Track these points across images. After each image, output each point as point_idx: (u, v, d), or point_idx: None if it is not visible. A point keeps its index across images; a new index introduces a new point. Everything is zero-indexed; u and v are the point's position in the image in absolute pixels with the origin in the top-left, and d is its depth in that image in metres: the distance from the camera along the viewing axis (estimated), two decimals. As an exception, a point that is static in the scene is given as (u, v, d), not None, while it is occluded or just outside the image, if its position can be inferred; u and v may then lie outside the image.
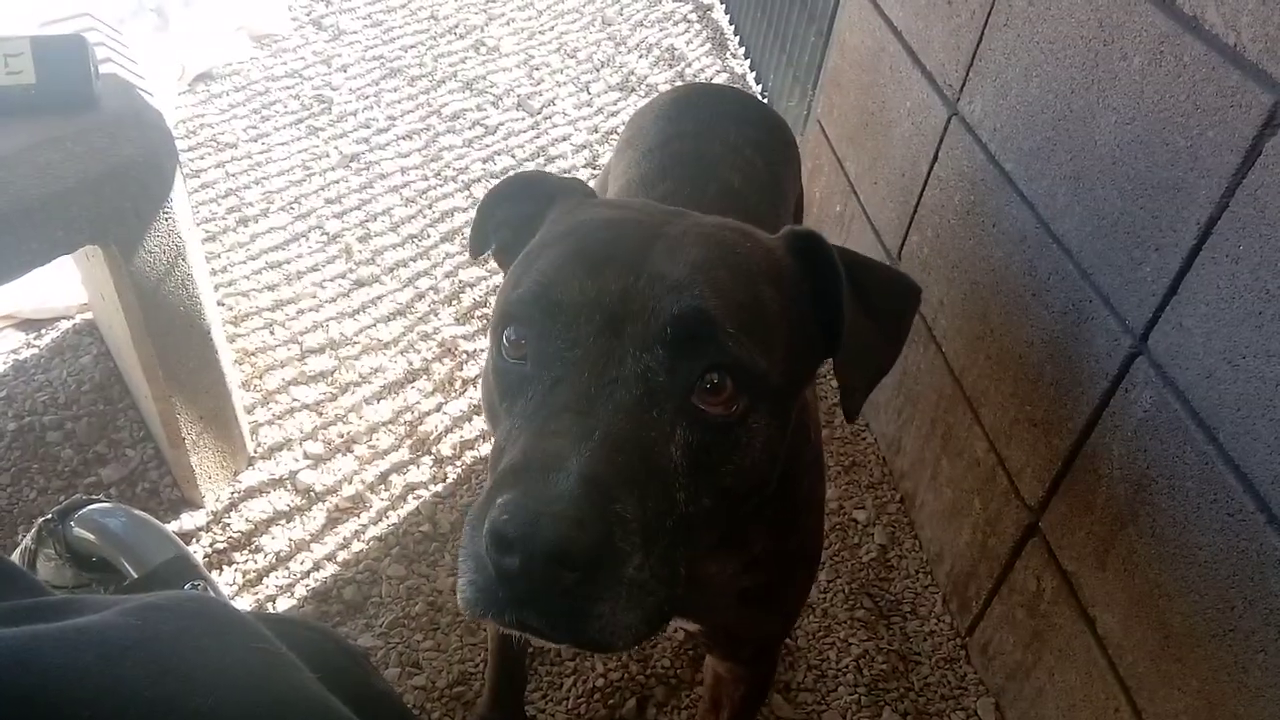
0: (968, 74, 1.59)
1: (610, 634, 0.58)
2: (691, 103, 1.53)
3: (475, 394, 2.02)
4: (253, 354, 2.05)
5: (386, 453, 1.88)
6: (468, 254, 0.93)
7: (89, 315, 2.06)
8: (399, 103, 2.96)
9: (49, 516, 0.84)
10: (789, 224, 1.54)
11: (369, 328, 2.15)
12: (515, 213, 0.84)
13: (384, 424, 1.93)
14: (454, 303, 2.25)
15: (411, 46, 3.28)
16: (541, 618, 0.57)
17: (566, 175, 0.86)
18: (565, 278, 0.66)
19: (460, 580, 0.60)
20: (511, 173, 0.92)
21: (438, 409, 1.98)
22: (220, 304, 2.13)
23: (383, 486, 1.82)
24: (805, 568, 1.07)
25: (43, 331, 2.03)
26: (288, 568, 1.66)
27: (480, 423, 1.95)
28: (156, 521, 0.83)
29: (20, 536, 0.87)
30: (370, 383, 2.02)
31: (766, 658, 1.19)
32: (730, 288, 0.66)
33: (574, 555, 0.54)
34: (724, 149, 1.39)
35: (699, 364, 0.64)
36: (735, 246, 0.72)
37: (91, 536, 0.81)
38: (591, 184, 1.78)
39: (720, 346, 0.64)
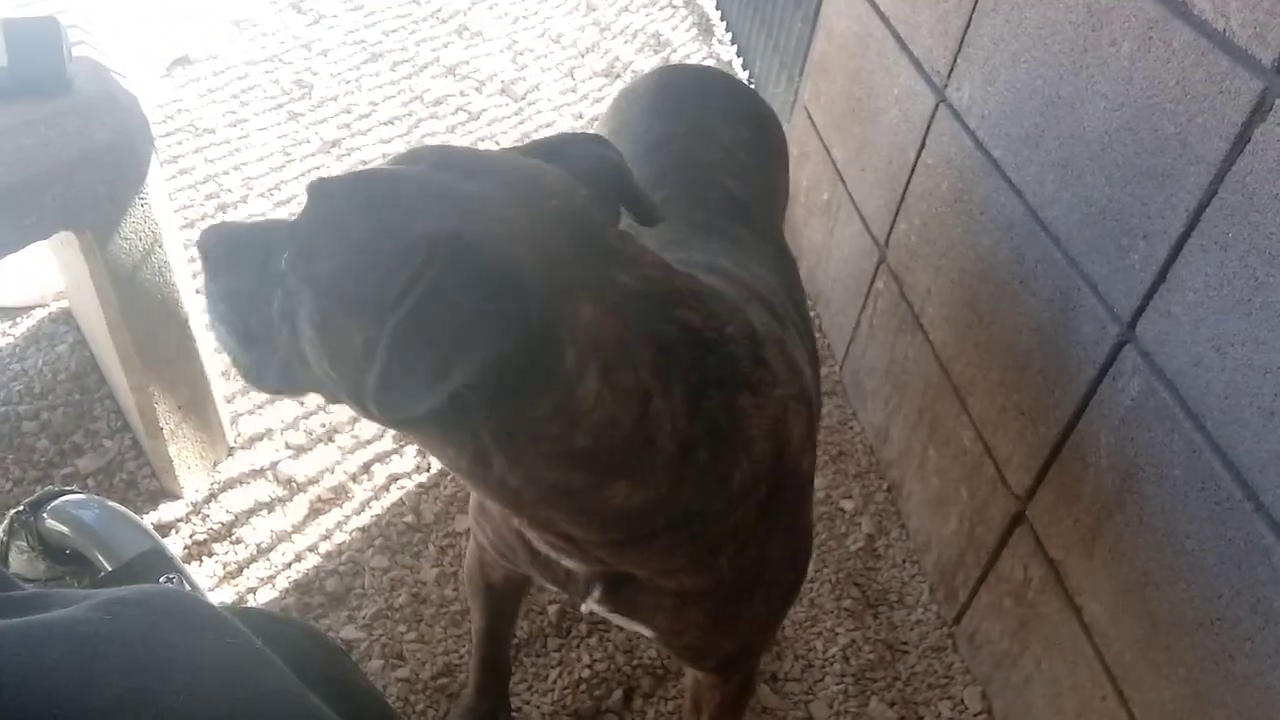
0: (955, 60, 1.58)
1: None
2: (679, 94, 1.46)
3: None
4: (233, 343, 2.02)
5: (369, 442, 1.86)
6: None
7: (65, 303, 2.03)
8: (381, 88, 2.93)
9: (21, 508, 0.83)
10: (782, 224, 1.51)
11: (351, 316, 2.13)
12: None
13: (366, 413, 1.91)
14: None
15: (393, 31, 3.24)
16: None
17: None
18: None
19: None
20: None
21: (421, 398, 1.96)
22: (199, 292, 2.10)
23: (365, 476, 1.80)
24: (763, 597, 0.96)
25: (17, 320, 1.99)
26: (269, 559, 1.64)
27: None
28: (131, 513, 0.81)
29: (-8, 528, 0.86)
30: (352, 372, 2.00)
31: (737, 671, 1.13)
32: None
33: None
34: (720, 154, 1.35)
35: None
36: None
37: (64, 528, 0.79)
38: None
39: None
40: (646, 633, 1.01)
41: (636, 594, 0.93)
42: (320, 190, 0.74)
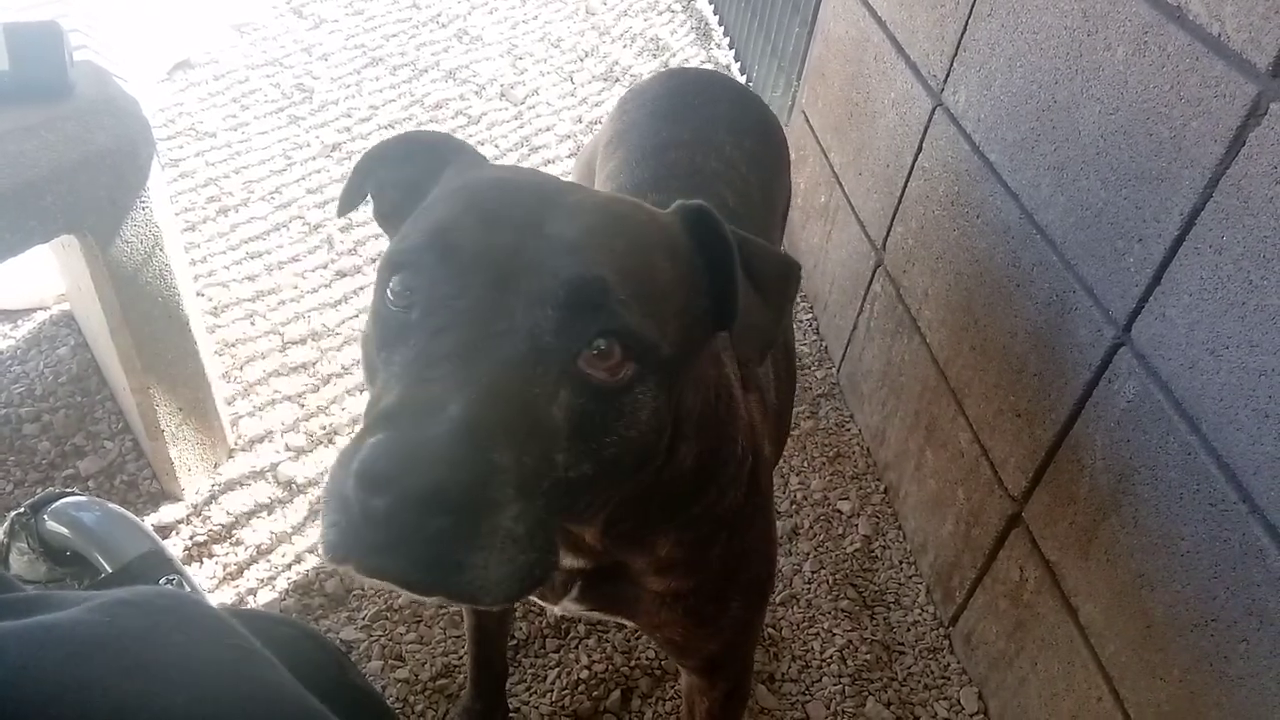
0: (952, 64, 1.58)
1: (479, 587, 0.55)
2: (687, 102, 1.46)
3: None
4: (233, 345, 2.03)
5: (369, 445, 1.86)
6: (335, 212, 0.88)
7: (66, 306, 2.03)
8: (381, 92, 2.94)
9: (22, 510, 0.83)
10: (780, 239, 1.52)
11: (351, 319, 2.14)
12: (405, 175, 0.80)
13: (366, 416, 1.92)
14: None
15: (393, 35, 3.25)
16: (407, 565, 0.53)
17: (461, 140, 0.82)
18: (459, 225, 0.65)
19: (323, 523, 0.56)
20: (401, 131, 0.89)
21: (421, 400, 1.96)
22: (200, 294, 2.11)
23: (365, 479, 1.80)
24: (741, 596, 0.99)
25: (19, 322, 2.00)
26: (269, 560, 1.64)
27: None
28: (131, 515, 0.82)
29: (-7, 530, 0.86)
30: (352, 374, 2.00)
31: (722, 674, 1.13)
32: (625, 255, 0.65)
33: (448, 497, 0.52)
34: (720, 164, 1.35)
35: (589, 329, 0.61)
36: (630, 216, 0.71)
37: (65, 530, 0.80)
38: (570, 176, 1.74)
39: (611, 313, 0.62)
40: (628, 623, 1.02)
41: (617, 589, 0.95)
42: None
